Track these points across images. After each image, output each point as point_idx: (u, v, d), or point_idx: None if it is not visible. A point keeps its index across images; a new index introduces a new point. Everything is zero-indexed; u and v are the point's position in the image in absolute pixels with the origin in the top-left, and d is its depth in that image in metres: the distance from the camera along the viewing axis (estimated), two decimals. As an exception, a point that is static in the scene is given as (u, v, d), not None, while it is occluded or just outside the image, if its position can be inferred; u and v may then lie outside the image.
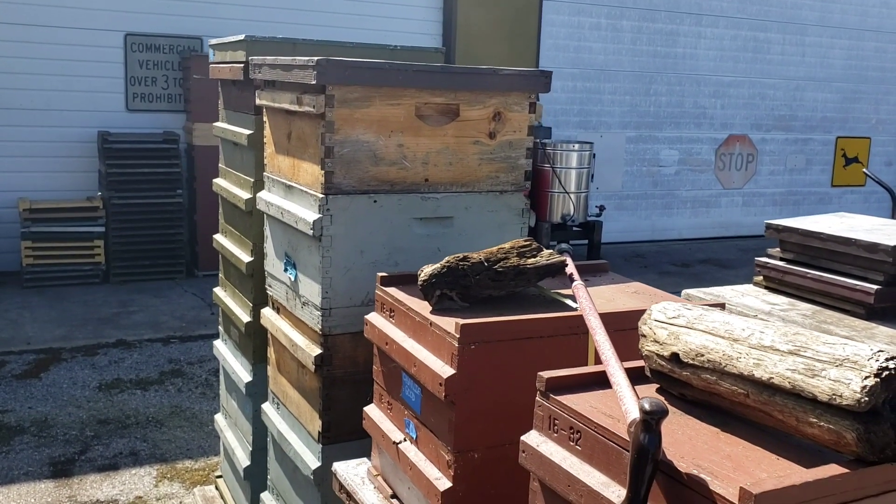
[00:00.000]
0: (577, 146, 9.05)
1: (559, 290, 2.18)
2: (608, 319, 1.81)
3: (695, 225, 11.51)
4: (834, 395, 1.17)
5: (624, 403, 1.34)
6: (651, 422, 1.19)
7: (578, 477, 1.37)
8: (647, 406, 1.20)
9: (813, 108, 12.09)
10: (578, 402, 1.45)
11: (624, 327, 1.85)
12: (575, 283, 2.04)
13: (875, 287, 2.36)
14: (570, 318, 1.94)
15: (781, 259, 2.68)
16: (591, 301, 1.90)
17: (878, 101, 12.68)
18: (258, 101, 2.79)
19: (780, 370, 1.25)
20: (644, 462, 1.20)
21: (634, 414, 1.26)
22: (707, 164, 11.44)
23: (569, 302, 2.07)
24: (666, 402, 1.23)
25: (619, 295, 2.24)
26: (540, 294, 2.17)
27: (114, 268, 8.23)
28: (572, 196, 8.92)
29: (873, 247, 2.37)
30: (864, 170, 6.10)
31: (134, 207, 8.21)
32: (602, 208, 9.34)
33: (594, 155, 9.17)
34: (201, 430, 5.11)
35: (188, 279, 8.51)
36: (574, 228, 9.05)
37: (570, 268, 2.15)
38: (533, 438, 1.52)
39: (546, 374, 1.51)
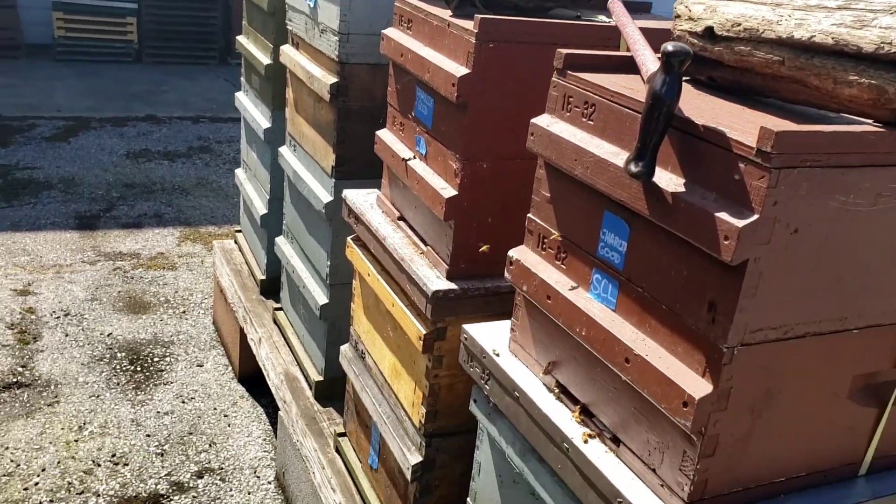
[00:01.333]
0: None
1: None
2: (644, 33, 1.65)
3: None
4: (883, 43, 1.04)
5: (644, 65, 1.22)
6: (673, 63, 1.08)
7: (587, 149, 1.28)
8: (669, 47, 1.08)
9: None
10: (596, 77, 1.34)
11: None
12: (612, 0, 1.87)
13: None
14: (602, 27, 1.79)
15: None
16: (628, 13, 1.74)
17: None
18: None
19: (825, 27, 1.11)
20: (658, 110, 1.09)
21: (654, 68, 1.14)
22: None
23: (603, 17, 1.92)
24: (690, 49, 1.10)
25: (659, 25, 2.07)
26: (574, 15, 2.01)
27: (146, 48, 8.09)
28: None
29: None
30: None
31: (167, -15, 7.95)
32: None
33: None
34: (227, 202, 5.14)
35: (221, 66, 8.37)
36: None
37: (607, -11, 1.97)
38: (544, 120, 1.42)
39: (565, 50, 1.39)
